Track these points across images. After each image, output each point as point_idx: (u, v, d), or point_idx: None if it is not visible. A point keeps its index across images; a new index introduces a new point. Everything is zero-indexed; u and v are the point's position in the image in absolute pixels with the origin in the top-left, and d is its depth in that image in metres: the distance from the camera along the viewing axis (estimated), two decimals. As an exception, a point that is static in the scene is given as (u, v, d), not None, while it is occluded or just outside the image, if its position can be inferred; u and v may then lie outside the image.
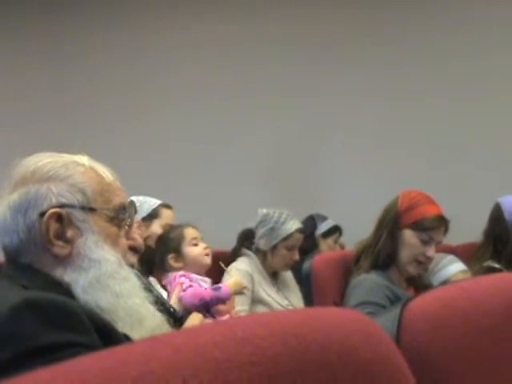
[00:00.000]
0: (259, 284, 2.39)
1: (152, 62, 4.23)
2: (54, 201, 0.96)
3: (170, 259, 2.04)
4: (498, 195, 2.40)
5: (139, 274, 1.19)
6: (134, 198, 2.27)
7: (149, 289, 1.16)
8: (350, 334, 0.65)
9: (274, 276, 2.51)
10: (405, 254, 1.87)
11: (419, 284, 1.96)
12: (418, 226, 1.84)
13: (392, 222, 1.88)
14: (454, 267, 2.21)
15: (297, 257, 2.49)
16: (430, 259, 1.88)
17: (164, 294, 1.95)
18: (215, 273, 2.27)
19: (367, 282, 1.83)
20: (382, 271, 1.87)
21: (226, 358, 0.56)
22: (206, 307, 1.81)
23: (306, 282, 2.39)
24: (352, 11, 4.07)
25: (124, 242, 1.04)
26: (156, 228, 2.26)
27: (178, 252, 2.04)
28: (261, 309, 2.34)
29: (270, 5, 4.16)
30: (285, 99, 4.09)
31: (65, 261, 0.95)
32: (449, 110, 3.88)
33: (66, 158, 1.02)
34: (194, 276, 2.00)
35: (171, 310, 1.62)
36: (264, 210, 2.50)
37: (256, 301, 2.35)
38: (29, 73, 4.27)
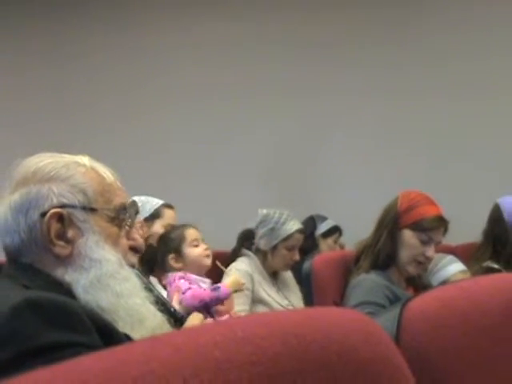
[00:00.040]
0: (259, 284, 2.39)
1: (152, 62, 4.23)
2: (55, 201, 0.96)
3: (171, 259, 2.04)
4: (497, 196, 2.41)
5: (140, 273, 1.20)
6: (136, 198, 2.28)
7: (149, 289, 1.16)
8: (349, 333, 0.66)
9: (274, 276, 2.52)
10: (404, 254, 1.87)
11: (419, 284, 1.96)
12: (418, 227, 1.85)
13: (392, 223, 1.88)
14: (454, 267, 2.21)
15: (297, 257, 2.49)
16: (429, 259, 1.88)
17: (164, 294, 1.95)
18: (215, 273, 2.27)
19: (367, 282, 1.83)
20: (381, 271, 1.87)
21: (227, 357, 0.56)
22: (206, 308, 1.82)
23: (306, 282, 2.39)
24: (352, 12, 4.07)
25: (125, 242, 1.04)
26: (158, 228, 2.26)
27: (179, 252, 2.04)
28: (261, 309, 2.34)
29: (270, 5, 4.16)
30: (285, 99, 4.09)
31: (66, 261, 0.95)
32: (448, 110, 3.88)
33: (67, 158, 1.02)
34: (193, 277, 2.00)
35: (172, 309, 1.62)
36: (264, 211, 2.51)
37: (256, 301, 2.35)
38: (29, 73, 4.27)
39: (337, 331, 0.65)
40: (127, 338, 0.90)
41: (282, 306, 2.39)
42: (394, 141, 3.92)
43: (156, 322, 1.01)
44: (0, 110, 4.20)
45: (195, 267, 2.03)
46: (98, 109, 4.23)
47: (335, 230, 3.32)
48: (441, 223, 1.86)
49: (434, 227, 1.84)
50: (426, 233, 1.84)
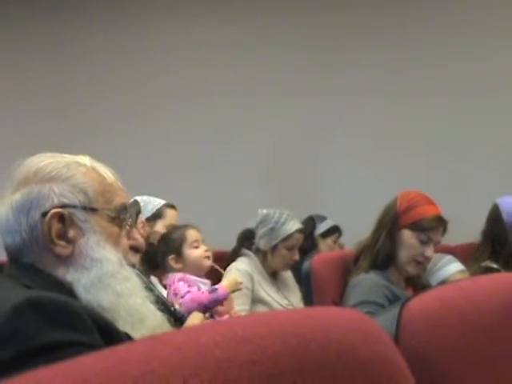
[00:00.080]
0: (259, 284, 2.39)
1: (152, 62, 4.24)
2: (56, 201, 0.96)
3: (171, 260, 2.04)
4: (496, 196, 2.41)
5: (140, 273, 1.20)
6: (138, 198, 2.29)
7: (149, 288, 1.17)
8: (349, 333, 0.66)
9: (273, 276, 2.52)
10: (403, 254, 1.88)
11: (418, 284, 1.96)
12: (417, 227, 1.85)
13: (391, 223, 1.89)
14: (452, 267, 2.22)
15: (297, 257, 2.50)
16: (428, 259, 1.88)
17: (165, 294, 1.96)
18: (215, 274, 2.27)
19: (366, 282, 1.83)
20: (380, 271, 1.88)
21: (227, 357, 0.56)
22: (206, 310, 1.82)
23: (305, 282, 2.39)
24: (351, 13, 4.07)
25: (125, 241, 1.05)
26: (160, 228, 2.27)
27: (179, 253, 2.04)
28: (261, 308, 2.34)
29: (270, 6, 4.16)
30: (285, 99, 4.10)
31: (67, 260, 0.96)
32: (448, 110, 3.89)
33: (68, 158, 1.03)
34: (193, 278, 2.00)
35: (172, 309, 1.63)
36: (264, 211, 2.51)
37: (256, 300, 2.36)
38: (29, 73, 4.27)
39: (336, 331, 0.65)
40: (128, 338, 0.90)
41: (281, 305, 2.39)
42: (393, 141, 3.93)
43: (156, 321, 1.02)
44: (0, 110, 4.20)
45: (195, 268, 2.04)
46: (98, 109, 4.24)
47: (334, 230, 3.32)
48: (440, 223, 1.86)
49: (433, 227, 1.85)
50: (425, 233, 1.85)
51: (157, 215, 2.31)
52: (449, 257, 2.28)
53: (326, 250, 3.19)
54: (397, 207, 1.89)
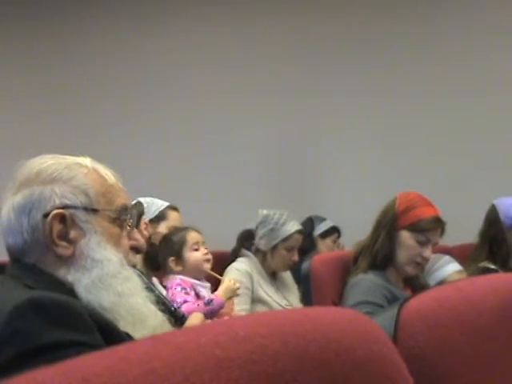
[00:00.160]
0: (258, 284, 2.40)
1: (152, 62, 4.23)
2: (57, 202, 0.97)
3: (171, 262, 2.05)
4: (493, 197, 2.42)
5: (141, 273, 1.20)
6: (141, 200, 2.30)
7: (150, 288, 1.17)
8: (348, 333, 0.66)
9: (273, 276, 2.52)
10: (402, 255, 1.88)
11: (416, 284, 1.97)
12: (415, 228, 1.86)
13: (389, 224, 1.89)
14: (450, 268, 2.23)
15: (296, 257, 2.50)
16: (426, 260, 1.89)
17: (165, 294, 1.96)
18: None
19: (365, 282, 1.84)
20: (379, 271, 1.88)
21: (227, 356, 0.57)
22: None
23: (304, 282, 2.40)
24: (351, 13, 4.07)
25: (126, 242, 1.05)
26: (163, 229, 2.27)
27: (179, 256, 2.05)
28: (260, 308, 2.35)
29: (270, 6, 4.16)
30: (285, 100, 4.10)
31: (68, 261, 0.96)
32: (448, 111, 3.89)
33: (69, 159, 1.03)
34: (192, 281, 2.00)
35: (172, 309, 1.63)
36: (264, 211, 2.51)
37: (255, 300, 2.36)
38: (30, 73, 4.26)
39: (335, 331, 0.66)
40: (128, 338, 0.91)
41: (281, 305, 2.40)
42: (392, 142, 3.93)
43: (157, 321, 1.02)
44: (1, 110, 4.20)
45: (195, 271, 2.04)
46: (99, 110, 4.23)
47: (333, 231, 3.33)
48: (438, 224, 1.87)
49: (431, 228, 1.86)
50: (423, 234, 1.86)
51: (160, 217, 2.33)
52: (447, 257, 2.29)
53: (325, 251, 3.20)
54: (395, 208, 1.90)
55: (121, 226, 1.03)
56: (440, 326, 0.86)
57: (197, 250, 2.06)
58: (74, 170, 1.00)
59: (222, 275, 2.34)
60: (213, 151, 4.12)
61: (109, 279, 0.97)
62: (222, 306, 1.87)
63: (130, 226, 1.07)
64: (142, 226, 1.93)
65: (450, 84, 3.88)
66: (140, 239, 1.11)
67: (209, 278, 2.11)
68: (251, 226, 2.54)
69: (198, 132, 4.14)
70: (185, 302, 1.87)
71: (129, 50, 4.26)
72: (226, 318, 1.83)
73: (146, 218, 2.14)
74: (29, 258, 0.97)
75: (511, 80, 3.79)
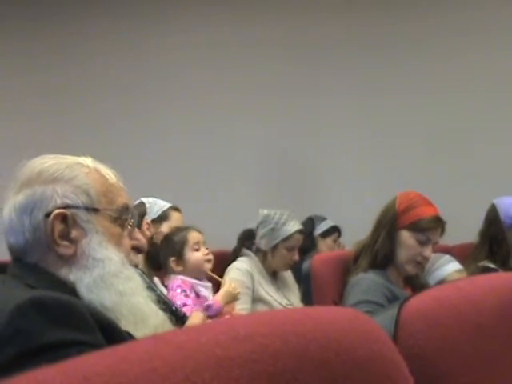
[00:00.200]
0: (259, 283, 2.40)
1: (152, 63, 4.23)
2: (58, 202, 0.97)
3: (172, 262, 2.05)
4: (493, 196, 2.42)
5: (142, 273, 1.21)
6: (144, 200, 2.31)
7: (151, 288, 1.17)
8: (348, 332, 0.67)
9: (273, 275, 2.53)
10: (402, 255, 1.89)
11: (416, 283, 1.97)
12: (416, 227, 1.86)
13: (390, 223, 1.89)
14: (450, 267, 2.23)
15: (296, 257, 2.50)
16: (426, 259, 1.89)
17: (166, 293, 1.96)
18: (216, 274, 2.28)
19: (365, 281, 1.84)
20: (379, 270, 1.89)
21: (227, 355, 0.57)
22: None
23: (305, 282, 2.40)
24: (351, 14, 4.07)
25: (127, 241, 1.05)
26: (165, 230, 2.28)
27: (180, 256, 2.05)
28: (261, 307, 2.35)
29: (270, 6, 4.16)
30: (285, 100, 4.10)
31: (70, 260, 0.96)
32: (447, 111, 3.89)
33: (71, 159, 1.03)
34: (193, 281, 2.00)
35: (173, 308, 1.63)
36: (265, 211, 2.52)
37: (256, 300, 2.37)
38: (30, 73, 4.26)
39: (336, 330, 0.66)
40: (130, 337, 0.91)
41: (281, 305, 2.40)
42: (392, 142, 3.93)
43: (158, 320, 1.02)
44: (1, 110, 4.21)
45: (195, 271, 2.04)
46: (99, 109, 4.23)
47: (334, 230, 3.33)
48: (438, 224, 1.87)
49: (431, 228, 1.86)
50: (423, 233, 1.86)
51: (162, 217, 2.34)
52: (447, 257, 2.29)
53: (325, 250, 3.20)
54: (396, 208, 1.90)
55: (122, 226, 1.04)
56: (440, 325, 0.86)
57: (197, 250, 2.06)
58: (75, 170, 1.01)
59: (222, 275, 2.35)
60: (213, 151, 4.12)
61: (110, 278, 0.97)
62: (220, 312, 1.87)
63: (131, 225, 1.07)
64: (145, 226, 1.94)
65: (450, 84, 3.88)
66: (141, 239, 1.11)
67: (210, 278, 2.11)
68: (252, 225, 2.55)
69: (198, 132, 4.14)
70: (184, 305, 1.87)
71: (129, 50, 4.26)
72: (226, 317, 1.84)
73: (148, 219, 2.15)
74: (30, 258, 0.97)
75: (511, 79, 3.79)
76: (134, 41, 4.25)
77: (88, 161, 1.05)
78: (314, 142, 4.07)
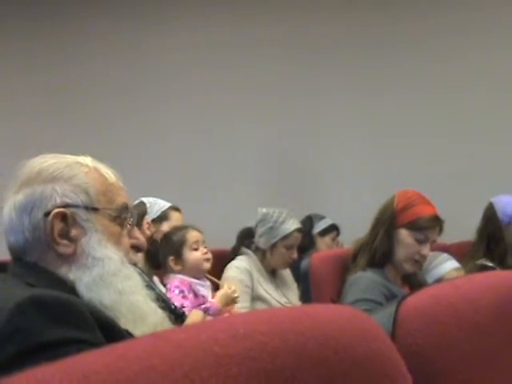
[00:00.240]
0: (258, 282, 2.40)
1: (153, 63, 4.23)
2: (58, 201, 0.97)
3: (171, 261, 2.05)
4: (491, 195, 2.43)
5: (142, 272, 1.21)
6: (144, 200, 2.31)
7: (150, 287, 1.18)
8: (346, 330, 0.67)
9: (272, 274, 2.53)
10: (400, 253, 1.89)
11: (414, 282, 1.98)
12: (414, 226, 1.87)
13: (388, 222, 1.90)
14: (448, 265, 2.24)
15: (295, 255, 2.51)
16: (424, 258, 1.90)
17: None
18: (216, 273, 2.28)
19: (364, 280, 1.84)
20: (378, 269, 1.89)
21: (226, 353, 0.57)
22: None
23: (303, 280, 2.40)
24: (351, 14, 4.07)
25: (126, 240, 1.06)
26: (165, 229, 2.29)
27: (179, 255, 2.05)
28: (260, 306, 2.35)
29: (270, 7, 4.16)
30: (284, 99, 4.10)
31: (69, 259, 0.97)
32: (446, 110, 3.89)
33: (70, 158, 1.04)
34: (191, 281, 2.00)
35: (172, 306, 1.64)
36: (264, 210, 2.52)
37: (255, 298, 2.37)
38: (30, 73, 4.27)
39: (334, 328, 0.66)
40: (129, 335, 0.91)
41: (280, 303, 2.40)
42: (391, 141, 3.93)
43: (157, 318, 1.02)
44: (1, 110, 4.21)
45: (194, 271, 2.04)
46: (99, 109, 4.23)
47: (332, 229, 3.33)
48: (436, 222, 1.88)
49: (429, 226, 1.86)
50: (421, 232, 1.86)
51: (162, 217, 2.34)
52: (444, 255, 2.30)
53: (324, 249, 3.21)
54: (394, 206, 1.91)
55: (121, 225, 1.04)
56: (438, 323, 0.86)
57: (196, 249, 2.06)
58: (74, 169, 1.01)
59: (221, 273, 2.35)
60: (213, 151, 4.12)
61: (109, 277, 0.97)
62: (218, 314, 1.87)
63: (130, 224, 1.07)
64: (145, 226, 1.94)
65: (450, 84, 3.88)
66: (140, 238, 1.11)
67: (209, 274, 2.11)
68: (251, 224, 2.55)
69: (198, 132, 4.14)
70: (182, 307, 1.87)
71: (129, 50, 4.26)
72: (226, 315, 1.84)
73: (148, 218, 2.15)
74: (30, 257, 0.98)
75: (511, 79, 3.79)
76: (134, 41, 4.25)
77: (87, 160, 1.05)
78: (314, 141, 4.07)
